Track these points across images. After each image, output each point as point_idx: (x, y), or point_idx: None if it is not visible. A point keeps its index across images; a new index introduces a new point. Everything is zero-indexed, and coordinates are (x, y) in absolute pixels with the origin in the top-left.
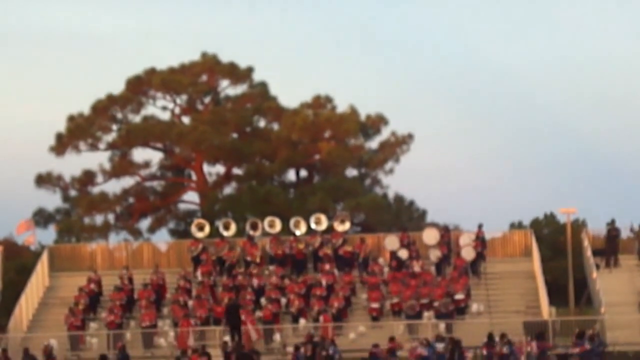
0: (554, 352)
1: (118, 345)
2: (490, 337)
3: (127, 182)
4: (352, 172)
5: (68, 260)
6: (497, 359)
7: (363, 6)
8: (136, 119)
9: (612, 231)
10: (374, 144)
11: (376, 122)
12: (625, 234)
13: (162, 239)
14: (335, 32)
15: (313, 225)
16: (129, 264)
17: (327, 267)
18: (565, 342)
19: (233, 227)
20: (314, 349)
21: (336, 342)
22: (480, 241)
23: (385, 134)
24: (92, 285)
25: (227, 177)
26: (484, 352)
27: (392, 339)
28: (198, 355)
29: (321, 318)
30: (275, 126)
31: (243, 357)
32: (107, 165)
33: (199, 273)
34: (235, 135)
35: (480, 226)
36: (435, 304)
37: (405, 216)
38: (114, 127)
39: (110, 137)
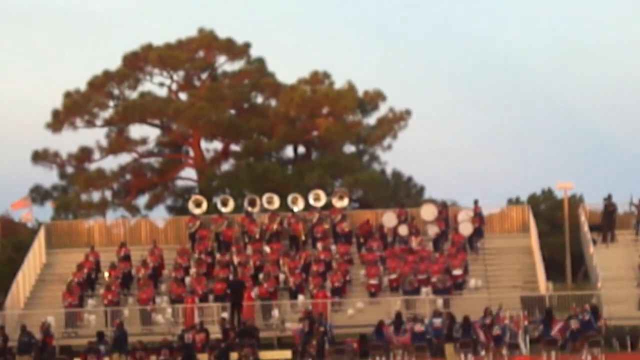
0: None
1: (115, 322)
2: (486, 311)
3: (124, 158)
4: (350, 149)
5: (65, 237)
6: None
7: None
8: (133, 95)
9: (609, 206)
10: (371, 120)
11: (374, 98)
12: (622, 208)
13: (159, 215)
14: (333, 8)
15: (311, 202)
16: (126, 241)
17: (325, 243)
18: (562, 317)
19: (231, 204)
20: (311, 324)
21: (334, 318)
22: (477, 217)
23: (383, 110)
24: (90, 262)
25: (224, 154)
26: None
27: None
28: (196, 332)
29: (318, 294)
30: (273, 102)
31: (245, 333)
32: (104, 142)
33: (197, 251)
34: (232, 111)
35: (476, 202)
36: (433, 279)
37: (403, 192)
38: (111, 103)
39: (107, 113)
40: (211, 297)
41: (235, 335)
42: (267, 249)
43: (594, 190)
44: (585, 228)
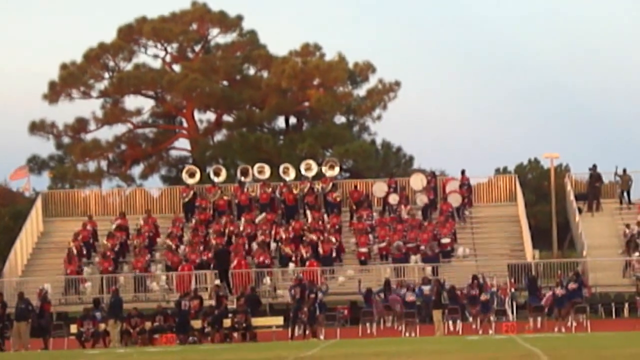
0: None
1: (111, 289)
2: (475, 278)
3: (120, 129)
4: (340, 119)
5: (62, 206)
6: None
7: None
8: (128, 67)
9: (594, 176)
10: (361, 91)
11: (364, 70)
12: (607, 178)
13: (154, 185)
14: None
15: (302, 172)
16: (122, 210)
17: (316, 212)
18: (548, 284)
19: (223, 174)
20: (302, 291)
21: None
22: (466, 186)
23: (373, 81)
24: (87, 231)
25: (217, 124)
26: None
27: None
28: (190, 298)
29: (310, 262)
30: (265, 74)
31: (250, 298)
32: (100, 113)
33: (193, 220)
34: (225, 83)
35: (463, 172)
36: (422, 247)
37: (392, 162)
38: (106, 75)
39: (102, 85)
40: (206, 264)
41: (243, 302)
42: (260, 217)
43: (580, 160)
44: (571, 197)
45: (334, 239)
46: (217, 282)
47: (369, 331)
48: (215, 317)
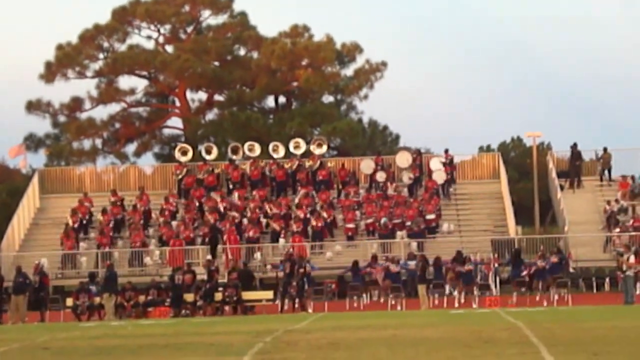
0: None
1: (106, 264)
2: (459, 254)
3: (114, 108)
4: (328, 99)
5: (58, 183)
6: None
7: None
8: (122, 47)
9: (576, 154)
10: (349, 71)
11: (351, 50)
12: (588, 156)
13: (147, 162)
14: None
15: (291, 149)
16: (116, 187)
17: (305, 189)
18: (530, 259)
19: (215, 151)
20: (292, 266)
21: (313, 260)
22: (450, 164)
23: (360, 61)
24: (84, 207)
25: (209, 104)
26: (453, 268)
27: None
28: (183, 272)
29: (299, 238)
30: (255, 54)
31: (244, 273)
32: (95, 92)
33: (183, 199)
34: (216, 63)
35: (446, 150)
36: (408, 223)
37: (379, 140)
38: (101, 55)
39: (97, 65)
40: (198, 240)
41: (236, 277)
42: (252, 194)
43: (561, 138)
44: (553, 174)
45: (325, 215)
46: (209, 257)
47: (355, 304)
48: (207, 291)
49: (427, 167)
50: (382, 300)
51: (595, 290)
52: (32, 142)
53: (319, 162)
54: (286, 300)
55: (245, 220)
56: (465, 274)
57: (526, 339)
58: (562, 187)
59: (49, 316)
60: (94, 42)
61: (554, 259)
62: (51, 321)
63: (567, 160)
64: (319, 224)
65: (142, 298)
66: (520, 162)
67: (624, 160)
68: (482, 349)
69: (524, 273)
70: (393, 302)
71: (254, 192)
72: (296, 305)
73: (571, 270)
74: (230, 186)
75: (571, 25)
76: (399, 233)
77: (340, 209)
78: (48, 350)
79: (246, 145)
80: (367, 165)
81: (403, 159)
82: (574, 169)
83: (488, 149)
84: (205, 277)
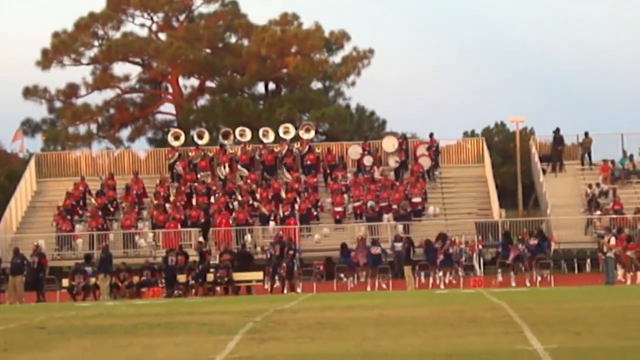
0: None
1: (101, 245)
2: (442, 236)
3: (108, 94)
4: (317, 85)
5: (54, 166)
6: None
7: None
8: (116, 35)
9: (558, 139)
10: (337, 58)
11: (339, 38)
12: (570, 140)
13: (141, 147)
14: None
15: (281, 134)
16: (111, 171)
17: (294, 173)
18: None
19: (206, 136)
20: (281, 248)
21: (302, 243)
22: (435, 148)
23: (347, 49)
24: (79, 191)
25: (200, 90)
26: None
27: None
28: (176, 254)
29: (288, 221)
30: (246, 42)
31: (241, 254)
32: (90, 79)
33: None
34: (208, 50)
35: (431, 135)
36: (394, 206)
37: (366, 125)
38: (96, 43)
39: (92, 52)
40: (189, 222)
41: (228, 258)
42: (242, 175)
43: (544, 123)
44: (536, 159)
45: (312, 198)
46: (201, 238)
47: (352, 285)
48: (198, 272)
49: (413, 151)
50: (366, 281)
51: (576, 272)
52: (29, 127)
53: (307, 146)
54: (276, 281)
55: (235, 204)
56: (446, 254)
57: (509, 319)
58: (544, 171)
59: (45, 296)
60: (89, 30)
61: (534, 241)
62: (48, 301)
63: (549, 145)
64: (307, 207)
65: (136, 279)
66: (504, 146)
67: (605, 145)
68: (466, 328)
69: (511, 258)
70: (378, 283)
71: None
72: (285, 286)
73: (552, 252)
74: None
75: (555, 14)
76: (385, 216)
77: (328, 192)
78: (44, 329)
79: (237, 130)
80: (354, 150)
81: (389, 144)
82: (556, 153)
83: (472, 134)
84: (197, 258)
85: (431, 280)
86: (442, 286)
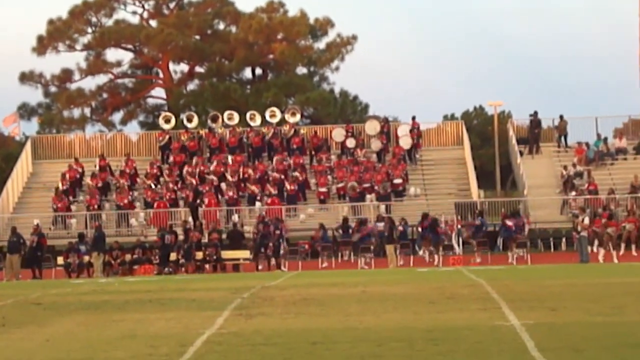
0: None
1: (95, 225)
2: (425, 216)
3: (101, 79)
4: (302, 70)
5: (49, 149)
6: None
7: None
8: (109, 22)
9: (534, 122)
10: (321, 44)
11: (324, 25)
12: (546, 123)
13: (133, 130)
14: None
15: (267, 118)
16: (104, 153)
17: (279, 155)
18: (492, 221)
19: (196, 120)
20: (265, 227)
21: (287, 222)
22: (416, 131)
23: (331, 35)
24: (74, 172)
25: (190, 75)
26: (419, 229)
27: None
28: (170, 233)
29: (274, 201)
30: (233, 29)
31: (233, 232)
32: (83, 64)
33: (170, 161)
34: (197, 37)
35: (413, 118)
36: (377, 187)
37: (349, 109)
38: (89, 30)
39: (86, 39)
40: (180, 202)
41: (217, 237)
42: (229, 159)
43: (521, 107)
44: (513, 141)
45: (298, 175)
46: (190, 219)
47: (326, 264)
48: (186, 249)
49: (395, 134)
50: (352, 259)
51: (552, 250)
52: (25, 111)
53: (293, 129)
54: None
55: (223, 185)
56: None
57: (487, 295)
58: (521, 153)
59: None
60: (83, 17)
61: (510, 222)
62: (43, 279)
63: (526, 128)
64: (293, 188)
65: (128, 257)
66: (483, 129)
67: (580, 128)
68: (445, 304)
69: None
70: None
71: (233, 157)
72: (272, 264)
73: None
74: (209, 152)
75: (533, 4)
76: (368, 196)
77: (313, 173)
78: (40, 305)
79: (225, 114)
80: (338, 132)
81: (372, 127)
82: (533, 136)
83: (452, 117)
84: (182, 237)
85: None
86: (441, 265)
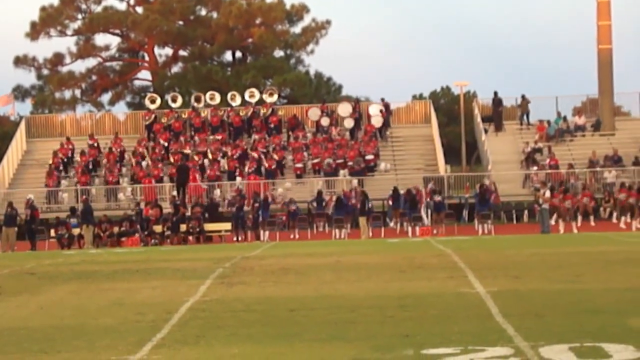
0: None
1: (82, 199)
2: (395, 190)
3: (91, 62)
4: (279, 53)
5: (42, 128)
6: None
7: None
8: (98, 9)
9: (497, 101)
10: (297, 29)
11: (299, 10)
12: (509, 102)
13: (120, 110)
14: None
15: (247, 98)
16: (93, 132)
17: (258, 134)
18: (458, 194)
19: (180, 100)
20: (241, 200)
21: (267, 195)
22: (386, 110)
23: (307, 20)
24: (65, 149)
25: (174, 58)
26: (390, 202)
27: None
28: (151, 207)
29: (253, 176)
30: (215, 14)
31: (210, 206)
32: (74, 49)
33: (160, 140)
34: (181, 22)
35: (382, 99)
36: (350, 163)
37: (323, 90)
38: (79, 16)
39: (76, 24)
40: (165, 178)
41: (199, 210)
42: (211, 138)
43: (486, 87)
44: (478, 119)
45: (276, 156)
46: (174, 193)
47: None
48: (173, 222)
49: (366, 113)
50: (327, 230)
51: (515, 222)
52: (20, 93)
53: (271, 109)
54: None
55: (206, 161)
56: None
57: (454, 264)
58: (486, 131)
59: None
60: (73, 4)
61: (472, 200)
62: (37, 250)
63: (490, 107)
64: (272, 165)
65: (116, 229)
66: (449, 108)
67: (541, 107)
68: (415, 273)
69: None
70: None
71: (214, 135)
72: (251, 235)
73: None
74: (193, 131)
75: None
76: (341, 172)
77: (290, 150)
78: (34, 275)
79: (207, 94)
80: (313, 112)
81: (344, 109)
82: (497, 114)
83: (420, 96)
84: (172, 210)
85: (382, 229)
86: (416, 234)
